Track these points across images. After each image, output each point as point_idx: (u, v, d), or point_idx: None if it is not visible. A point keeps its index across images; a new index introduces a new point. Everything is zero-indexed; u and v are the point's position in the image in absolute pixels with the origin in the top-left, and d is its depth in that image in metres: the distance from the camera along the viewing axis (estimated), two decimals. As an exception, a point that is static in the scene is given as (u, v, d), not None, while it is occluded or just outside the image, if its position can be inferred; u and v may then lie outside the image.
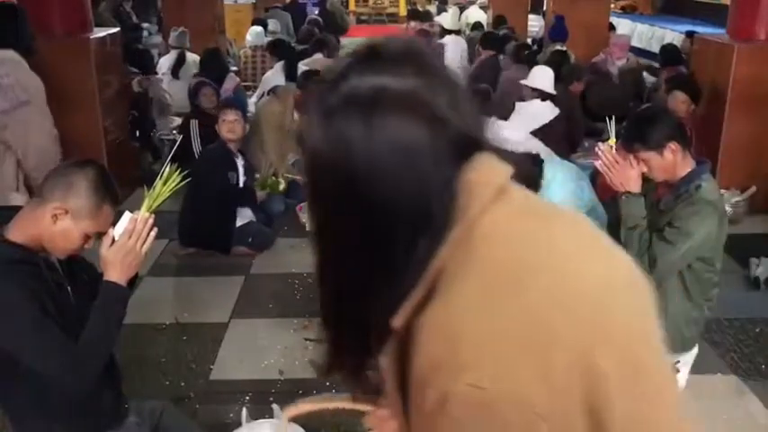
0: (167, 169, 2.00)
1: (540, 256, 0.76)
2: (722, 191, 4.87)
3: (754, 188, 4.90)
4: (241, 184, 4.45)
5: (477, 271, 0.76)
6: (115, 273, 1.83)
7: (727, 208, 4.79)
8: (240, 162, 4.46)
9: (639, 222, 2.43)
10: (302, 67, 6.40)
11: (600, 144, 2.59)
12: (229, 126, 4.35)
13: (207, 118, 5.52)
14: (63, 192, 1.79)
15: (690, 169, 2.47)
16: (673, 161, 2.46)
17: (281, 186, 4.96)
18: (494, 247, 0.77)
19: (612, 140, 2.58)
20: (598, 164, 2.52)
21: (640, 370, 0.75)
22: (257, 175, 4.85)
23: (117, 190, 1.89)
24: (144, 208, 1.90)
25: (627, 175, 2.44)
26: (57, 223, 1.79)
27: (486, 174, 0.78)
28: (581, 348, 0.73)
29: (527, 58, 6.66)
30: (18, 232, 1.82)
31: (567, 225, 0.82)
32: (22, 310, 1.73)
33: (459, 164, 0.77)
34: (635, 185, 2.44)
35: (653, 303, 0.81)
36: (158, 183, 1.98)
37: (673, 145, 2.44)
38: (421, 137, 0.74)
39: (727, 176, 5.01)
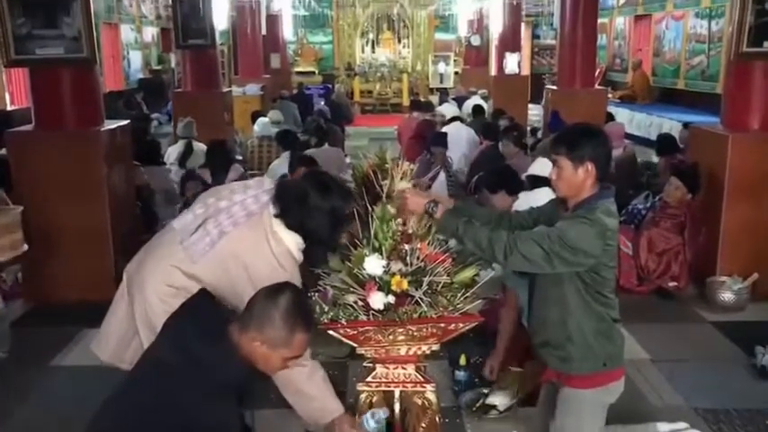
0: None
1: None
2: (724, 278, 4.93)
3: (756, 275, 4.90)
4: None
5: None
6: None
7: (730, 295, 4.83)
8: None
9: (458, 227, 2.54)
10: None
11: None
12: None
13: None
14: (258, 323, 2.06)
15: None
16: (582, 180, 2.53)
17: None
18: None
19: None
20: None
21: None
22: None
23: (309, 316, 2.17)
24: None
25: (415, 201, 2.62)
26: (257, 351, 2.07)
27: None
28: None
29: (531, 147, 6.85)
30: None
31: None
32: None
33: None
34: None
35: None
36: None
37: (590, 165, 2.51)
38: None
39: (728, 263, 5.04)
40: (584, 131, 2.64)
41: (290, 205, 2.65)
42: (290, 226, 2.65)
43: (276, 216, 2.65)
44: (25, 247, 4.16)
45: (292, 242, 2.67)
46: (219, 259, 2.62)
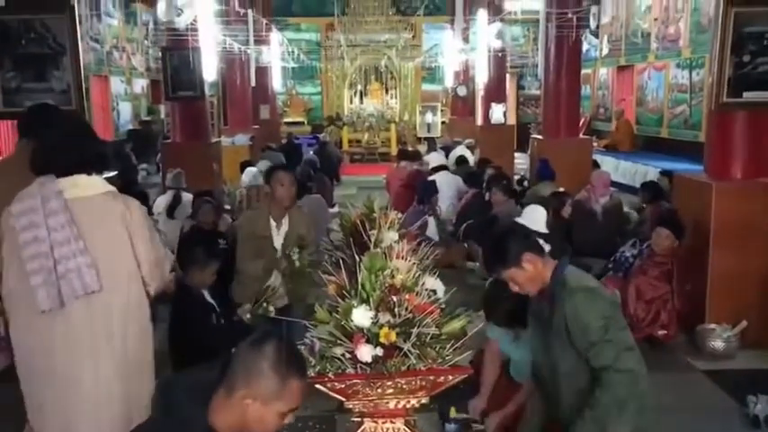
0: None
1: None
2: (713, 326, 4.92)
3: (744, 323, 4.90)
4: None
5: None
6: None
7: (720, 343, 4.82)
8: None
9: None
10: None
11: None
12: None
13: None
14: (246, 379, 1.83)
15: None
16: (534, 270, 2.58)
17: (272, 314, 4.66)
18: None
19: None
20: None
21: None
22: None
23: (301, 360, 1.98)
24: None
25: None
26: (249, 411, 1.83)
27: None
28: None
29: (518, 194, 6.91)
30: (220, 422, 1.86)
31: None
32: None
33: None
34: None
35: None
36: None
37: (528, 256, 2.56)
38: None
39: (716, 312, 5.04)
40: (496, 242, 2.71)
41: (56, 163, 2.70)
42: (81, 172, 2.74)
43: (72, 174, 2.72)
44: None
45: (95, 184, 2.80)
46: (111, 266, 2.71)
